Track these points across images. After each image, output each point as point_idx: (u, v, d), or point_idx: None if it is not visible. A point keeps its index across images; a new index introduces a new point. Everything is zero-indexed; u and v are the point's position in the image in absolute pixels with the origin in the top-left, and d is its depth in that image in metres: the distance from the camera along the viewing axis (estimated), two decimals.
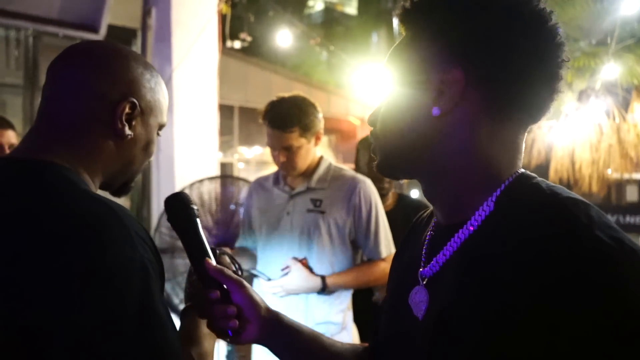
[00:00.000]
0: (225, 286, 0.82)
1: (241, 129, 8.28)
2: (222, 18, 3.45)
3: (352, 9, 26.81)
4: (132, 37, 4.54)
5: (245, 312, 0.82)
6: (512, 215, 0.61)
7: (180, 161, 3.28)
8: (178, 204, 0.86)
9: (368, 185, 1.91)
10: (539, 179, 0.66)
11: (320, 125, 1.88)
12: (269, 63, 8.09)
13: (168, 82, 3.28)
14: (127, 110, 0.84)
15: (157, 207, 3.29)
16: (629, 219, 7.52)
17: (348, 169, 1.99)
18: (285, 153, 1.82)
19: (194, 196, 3.00)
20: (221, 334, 0.82)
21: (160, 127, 0.93)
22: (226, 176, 3.18)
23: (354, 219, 1.86)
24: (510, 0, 0.64)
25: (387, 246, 1.91)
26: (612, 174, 6.63)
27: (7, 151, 1.98)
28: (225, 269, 0.83)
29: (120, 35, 4.81)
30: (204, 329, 0.89)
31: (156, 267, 0.74)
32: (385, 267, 1.88)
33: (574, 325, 0.52)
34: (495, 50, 0.63)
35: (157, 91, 0.90)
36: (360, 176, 1.94)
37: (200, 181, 2.99)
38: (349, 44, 18.00)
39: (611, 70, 5.97)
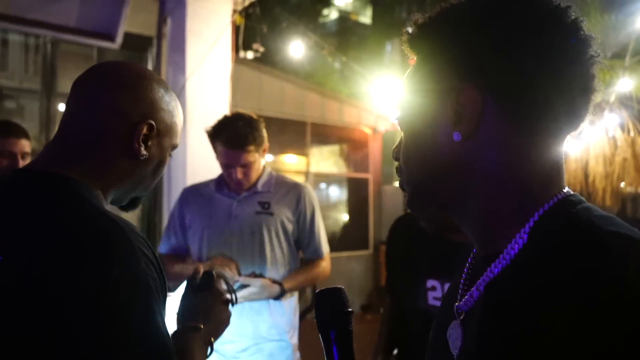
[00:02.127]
0: None
1: None
2: (236, 29, 3.49)
3: (366, 18, 26.90)
4: (148, 45, 4.62)
5: None
6: (543, 251, 0.54)
7: (192, 169, 3.31)
8: (339, 305, 0.70)
9: (310, 190, 2.09)
10: (584, 205, 0.58)
11: (266, 138, 2.00)
12: (282, 72, 8.14)
13: (181, 91, 3.33)
14: (144, 131, 0.87)
15: (167, 215, 3.32)
16: None
17: (287, 176, 2.18)
18: (242, 170, 1.92)
19: None
20: None
21: (173, 147, 0.96)
22: None
23: (298, 222, 2.01)
24: (514, 3, 0.59)
25: (326, 246, 2.09)
26: (626, 187, 6.55)
27: (20, 160, 2.01)
28: None
29: (137, 42, 4.89)
30: (196, 348, 0.94)
31: (158, 283, 0.77)
32: (325, 265, 2.05)
33: None
34: (508, 56, 0.57)
35: (175, 114, 0.93)
36: (301, 182, 2.15)
37: None
38: (363, 53, 18.06)
39: (626, 83, 5.92)
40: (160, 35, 3.50)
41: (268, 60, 9.62)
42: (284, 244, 1.99)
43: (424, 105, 0.63)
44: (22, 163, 2.01)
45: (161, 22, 3.48)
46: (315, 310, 0.70)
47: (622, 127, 6.32)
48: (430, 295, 1.52)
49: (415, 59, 0.66)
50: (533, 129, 0.58)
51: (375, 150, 8.64)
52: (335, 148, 9.12)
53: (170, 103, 0.92)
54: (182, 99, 3.33)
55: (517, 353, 0.51)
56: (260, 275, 1.92)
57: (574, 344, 0.47)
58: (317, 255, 2.06)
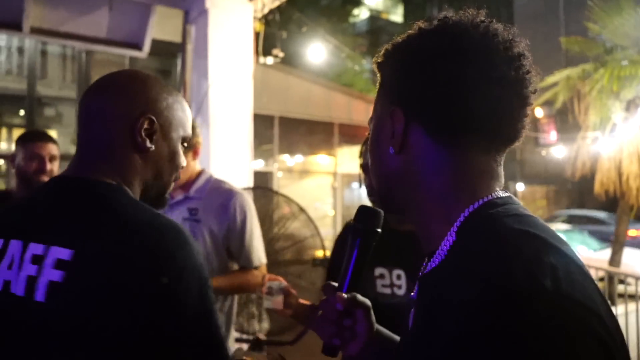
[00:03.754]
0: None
1: (281, 138, 8.46)
2: (256, 35, 3.58)
3: (397, 17, 26.71)
4: (176, 51, 4.77)
5: (358, 333, 0.85)
6: (460, 247, 0.62)
7: (215, 171, 3.42)
8: (371, 222, 0.83)
9: (244, 198, 1.98)
10: (506, 206, 0.64)
11: (196, 139, 1.96)
12: (308, 74, 8.22)
13: (204, 97, 3.44)
14: (145, 125, 0.94)
15: None
16: None
17: (228, 182, 2.05)
18: None
19: None
20: (330, 350, 0.85)
21: (184, 139, 1.03)
22: (258, 187, 3.29)
23: (228, 229, 1.93)
24: (437, 43, 0.66)
25: (259, 256, 2.00)
26: None
27: (48, 162, 2.14)
28: (359, 297, 0.85)
29: (166, 48, 5.06)
30: None
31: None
32: (257, 274, 1.96)
33: None
34: (429, 89, 0.65)
35: (175, 108, 1.00)
36: (237, 188, 2.02)
37: None
38: None
39: None
40: (184, 42, 3.63)
41: (295, 63, 9.72)
42: (212, 251, 1.93)
43: (376, 123, 0.73)
44: (49, 166, 2.15)
45: (185, 30, 3.61)
46: (354, 217, 0.84)
47: None
48: (379, 283, 1.55)
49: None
50: (454, 144, 0.66)
51: None
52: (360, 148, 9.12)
53: (167, 98, 0.99)
54: (205, 103, 3.44)
55: (431, 331, 0.59)
56: None
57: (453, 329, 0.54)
58: (248, 264, 1.98)
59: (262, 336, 1.03)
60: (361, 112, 8.44)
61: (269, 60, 5.39)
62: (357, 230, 0.83)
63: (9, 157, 2.28)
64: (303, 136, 8.69)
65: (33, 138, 2.20)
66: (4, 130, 8.20)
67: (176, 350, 0.78)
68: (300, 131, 8.63)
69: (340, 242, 1.76)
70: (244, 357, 1.04)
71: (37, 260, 0.81)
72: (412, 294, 0.73)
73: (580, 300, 0.53)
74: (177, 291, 0.78)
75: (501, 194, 0.66)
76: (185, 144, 1.03)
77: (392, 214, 0.78)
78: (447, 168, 0.66)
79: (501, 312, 0.51)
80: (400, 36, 0.72)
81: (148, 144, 0.95)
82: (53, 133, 6.91)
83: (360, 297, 0.85)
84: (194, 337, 0.79)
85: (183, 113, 1.02)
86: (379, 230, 0.83)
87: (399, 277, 1.50)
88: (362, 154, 1.61)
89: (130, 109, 0.94)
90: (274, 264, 2.92)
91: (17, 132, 7.94)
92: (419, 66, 0.66)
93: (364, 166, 1.56)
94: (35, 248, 0.82)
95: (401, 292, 1.51)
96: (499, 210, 0.63)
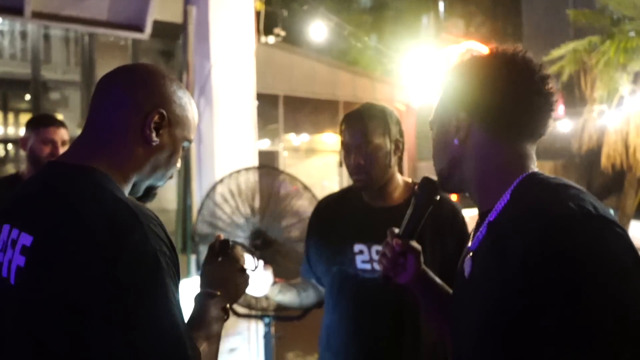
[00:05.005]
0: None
1: (287, 117, 8.46)
2: (257, 14, 3.57)
3: None
4: (179, 32, 4.76)
5: (409, 269, 1.17)
6: (523, 200, 0.86)
7: (219, 152, 3.45)
8: (431, 191, 1.14)
9: None
10: (545, 175, 0.90)
11: None
12: (312, 52, 8.17)
13: (207, 78, 3.45)
14: (156, 119, 0.97)
15: (198, 195, 3.48)
16: None
17: None
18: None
19: (232, 185, 3.17)
20: (386, 278, 1.18)
21: (186, 141, 1.05)
22: (263, 167, 3.32)
23: None
24: (486, 70, 0.94)
25: None
26: None
27: (60, 147, 2.19)
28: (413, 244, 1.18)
29: (168, 30, 5.05)
30: (213, 311, 1.02)
31: (169, 259, 0.86)
32: None
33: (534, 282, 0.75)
34: (486, 96, 0.93)
35: (187, 109, 1.03)
36: None
37: (238, 171, 3.15)
38: (399, 28, 17.71)
39: None
40: (186, 24, 3.62)
41: (298, 42, 9.65)
42: None
43: (442, 123, 1.00)
44: (61, 150, 2.18)
45: (186, 11, 3.59)
46: (418, 186, 1.17)
47: None
48: (359, 259, 1.58)
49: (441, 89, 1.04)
50: (505, 138, 0.93)
51: (409, 127, 8.59)
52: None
53: (182, 98, 1.02)
54: (208, 85, 3.45)
55: (504, 265, 0.80)
56: None
57: (518, 256, 0.78)
58: None
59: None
60: (366, 89, 8.41)
61: (271, 39, 5.37)
62: (417, 195, 1.16)
63: (19, 142, 2.31)
64: (308, 115, 8.68)
65: (46, 123, 2.24)
66: (11, 115, 8.26)
67: (111, 332, 0.79)
68: (306, 110, 8.62)
69: (315, 215, 1.81)
70: (209, 291, 1.06)
71: (14, 245, 0.86)
72: (469, 246, 0.97)
73: (614, 220, 0.79)
74: (121, 276, 0.79)
75: (537, 170, 0.92)
76: (186, 146, 1.06)
77: (442, 191, 1.09)
78: (502, 153, 0.93)
79: (562, 231, 0.76)
80: (459, 64, 1.01)
81: (154, 137, 0.97)
82: (59, 117, 6.95)
83: (414, 243, 1.16)
84: (131, 323, 0.79)
85: (192, 115, 1.05)
86: (436, 198, 1.14)
87: (377, 252, 1.51)
88: (341, 132, 1.61)
89: (145, 101, 0.97)
90: (282, 241, 2.96)
91: (23, 117, 7.98)
92: (481, 83, 0.94)
93: (346, 145, 1.59)
94: (15, 233, 0.87)
95: None
96: (542, 176, 0.90)
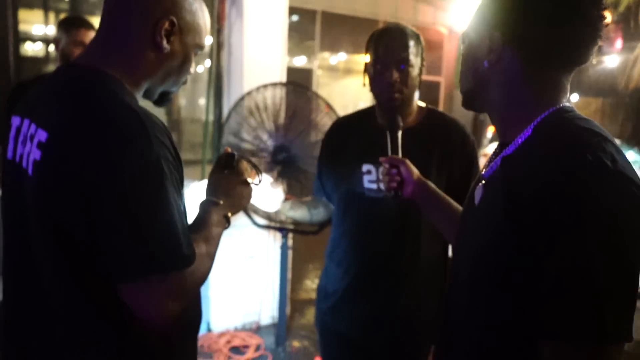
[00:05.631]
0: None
1: (323, 35, 8.23)
2: None
3: None
4: None
5: (406, 179, 1.32)
6: (541, 139, 0.84)
7: (248, 65, 3.45)
8: (397, 124, 1.44)
9: None
10: (574, 113, 0.86)
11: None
12: None
13: None
14: (166, 26, 0.99)
15: (227, 107, 3.53)
16: None
17: None
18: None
19: (258, 100, 3.20)
20: (390, 191, 1.34)
21: (198, 47, 1.06)
22: (290, 83, 3.31)
23: None
24: None
25: None
26: None
27: None
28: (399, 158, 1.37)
29: None
30: (214, 217, 1.07)
31: (172, 165, 0.91)
32: None
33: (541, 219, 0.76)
34: (524, 18, 0.85)
35: (198, 15, 1.04)
36: None
37: (265, 86, 3.16)
38: None
39: None
40: None
41: None
42: None
43: (474, 39, 0.94)
44: None
45: None
46: (388, 122, 1.45)
47: None
48: (366, 178, 1.62)
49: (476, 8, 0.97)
50: (537, 65, 0.87)
51: (450, 53, 8.27)
52: None
53: (193, 4, 1.02)
54: (239, 1, 3.37)
55: (510, 201, 0.81)
56: None
57: (535, 194, 0.77)
58: None
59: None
60: (408, 10, 8.04)
61: None
62: (389, 129, 1.44)
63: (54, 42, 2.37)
64: (346, 33, 8.43)
65: (77, 24, 2.29)
66: (52, 15, 8.31)
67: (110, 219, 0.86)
68: (344, 28, 8.36)
69: (328, 135, 1.85)
70: (212, 199, 1.11)
71: (32, 139, 0.92)
72: (484, 172, 0.97)
73: (631, 177, 0.76)
74: (126, 176, 0.85)
75: (567, 104, 0.87)
76: (199, 52, 1.07)
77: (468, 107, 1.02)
78: (532, 82, 0.88)
79: (572, 184, 0.74)
80: None
81: (165, 44, 0.99)
82: (95, 20, 6.95)
83: (397, 156, 1.37)
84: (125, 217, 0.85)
85: (204, 21, 1.06)
86: (401, 127, 1.43)
87: None
88: (374, 48, 1.59)
89: (156, 8, 0.98)
90: (305, 158, 3.01)
91: (63, 17, 8.01)
92: (521, 2, 0.86)
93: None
94: (33, 128, 0.93)
95: None
96: (570, 114, 0.86)
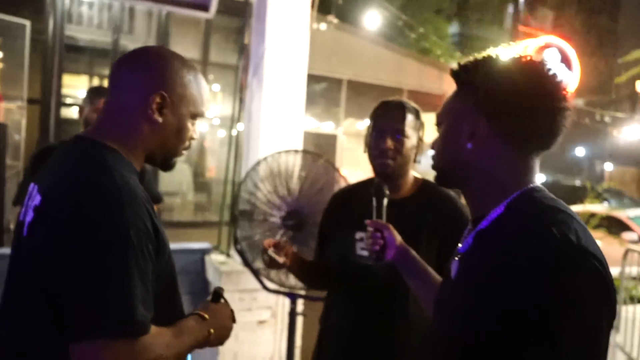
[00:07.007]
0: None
1: (349, 102, 8.46)
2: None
3: None
4: (246, 7, 4.89)
5: (389, 243, 1.36)
6: (512, 216, 0.90)
7: (265, 132, 3.56)
8: (382, 191, 1.46)
9: None
10: (542, 194, 0.92)
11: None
12: (380, 38, 8.09)
13: (261, 59, 3.55)
14: (157, 100, 1.06)
15: (244, 171, 3.63)
16: None
17: None
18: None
19: (273, 166, 3.28)
20: (373, 254, 1.37)
21: (195, 115, 1.13)
22: (304, 151, 3.39)
23: None
24: (515, 81, 0.91)
25: None
26: None
27: None
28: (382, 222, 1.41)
29: (237, 7, 5.20)
30: (192, 322, 1.08)
31: (143, 234, 0.95)
32: None
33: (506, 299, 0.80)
34: (510, 111, 0.91)
35: (191, 87, 1.10)
36: None
37: (279, 153, 3.25)
38: (485, 15, 17.01)
39: None
40: (247, 3, 3.73)
41: (363, 27, 9.55)
42: None
43: (453, 121, 0.97)
44: None
45: None
46: (374, 188, 1.48)
47: None
48: (358, 245, 1.64)
49: (456, 88, 1.00)
50: (516, 150, 0.93)
51: None
52: (433, 117, 8.93)
53: (185, 77, 1.09)
54: (260, 67, 3.55)
55: (482, 274, 0.86)
56: None
57: (499, 268, 0.82)
58: None
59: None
60: (433, 78, 8.23)
61: (322, 26, 5.38)
62: (375, 195, 1.46)
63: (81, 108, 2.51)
64: (371, 101, 8.63)
65: (101, 94, 2.43)
66: (96, 80, 8.86)
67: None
68: (369, 96, 8.60)
69: (329, 206, 1.91)
70: (198, 312, 1.12)
71: (31, 202, 1.02)
72: (459, 248, 1.01)
73: (593, 252, 0.81)
74: (92, 241, 0.90)
75: (538, 184, 0.94)
76: (196, 120, 1.13)
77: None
78: (510, 164, 0.93)
79: (536, 261, 0.79)
80: (490, 60, 0.96)
81: (157, 116, 1.07)
82: None
83: (381, 221, 1.41)
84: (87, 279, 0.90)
85: (198, 91, 1.12)
86: (387, 194, 1.46)
87: None
88: (376, 116, 1.68)
89: (147, 83, 1.07)
90: (316, 224, 3.03)
91: (106, 83, 8.51)
92: (512, 95, 0.91)
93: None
94: (34, 192, 1.03)
95: None
96: (540, 194, 0.92)
